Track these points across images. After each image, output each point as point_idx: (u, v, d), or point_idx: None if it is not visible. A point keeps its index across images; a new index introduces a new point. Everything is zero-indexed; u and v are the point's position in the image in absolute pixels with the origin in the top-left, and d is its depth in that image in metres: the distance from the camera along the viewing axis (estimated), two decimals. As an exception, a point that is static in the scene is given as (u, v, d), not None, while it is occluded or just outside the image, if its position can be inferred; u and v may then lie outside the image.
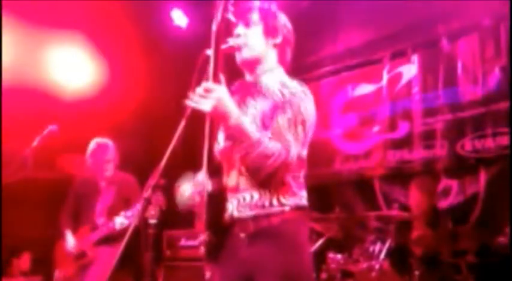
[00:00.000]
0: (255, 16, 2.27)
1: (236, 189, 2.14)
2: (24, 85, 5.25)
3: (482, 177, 4.77)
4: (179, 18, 6.27)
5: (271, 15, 2.30)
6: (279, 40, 2.28)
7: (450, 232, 4.22)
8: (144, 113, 6.19)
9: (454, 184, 4.95)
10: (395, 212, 4.45)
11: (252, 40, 2.24)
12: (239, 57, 2.25)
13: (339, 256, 4.37)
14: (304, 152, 2.19)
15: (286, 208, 2.10)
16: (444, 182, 4.99)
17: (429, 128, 5.17)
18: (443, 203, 4.89)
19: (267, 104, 2.15)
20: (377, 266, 4.10)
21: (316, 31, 5.72)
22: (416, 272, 4.09)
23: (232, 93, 2.11)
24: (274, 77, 2.24)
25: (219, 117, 1.99)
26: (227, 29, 2.16)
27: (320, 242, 4.48)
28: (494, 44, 4.84)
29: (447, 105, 5.08)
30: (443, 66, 5.16)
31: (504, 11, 4.61)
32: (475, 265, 3.99)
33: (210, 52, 2.07)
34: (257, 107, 2.17)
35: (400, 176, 5.29)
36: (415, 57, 5.38)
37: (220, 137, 2.23)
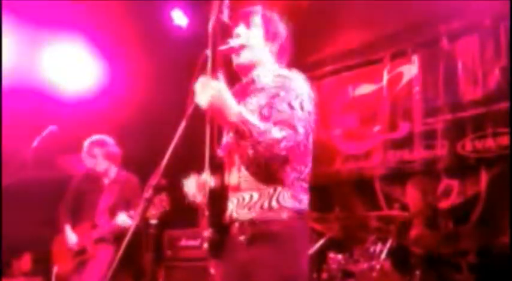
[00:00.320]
0: (256, 18, 2.29)
1: (237, 188, 2.14)
2: (24, 85, 5.25)
3: (483, 177, 4.76)
4: (179, 18, 6.26)
5: (272, 21, 2.33)
6: (277, 46, 2.31)
7: (451, 232, 4.22)
8: (144, 113, 6.18)
9: (455, 184, 4.95)
10: (396, 212, 4.46)
11: (251, 42, 2.26)
12: (236, 60, 2.26)
13: (340, 256, 4.36)
14: (310, 139, 2.19)
15: (285, 213, 2.09)
16: (445, 183, 4.99)
17: (430, 128, 5.17)
18: (445, 204, 4.88)
19: (263, 96, 2.16)
20: (378, 266, 4.09)
21: (316, 31, 5.71)
22: (417, 273, 4.09)
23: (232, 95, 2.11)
24: (268, 71, 2.26)
25: (217, 112, 1.99)
26: (224, 29, 2.17)
27: (321, 242, 4.47)
28: (494, 44, 4.83)
29: (447, 105, 5.07)
30: (443, 66, 5.16)
31: (504, 11, 4.61)
32: (476, 265, 3.99)
33: (209, 52, 2.08)
34: (253, 102, 2.18)
35: (400, 176, 5.28)
36: (415, 57, 5.38)
37: (224, 134, 2.24)
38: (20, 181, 3.72)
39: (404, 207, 4.68)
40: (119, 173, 4.57)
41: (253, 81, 2.26)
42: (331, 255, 4.38)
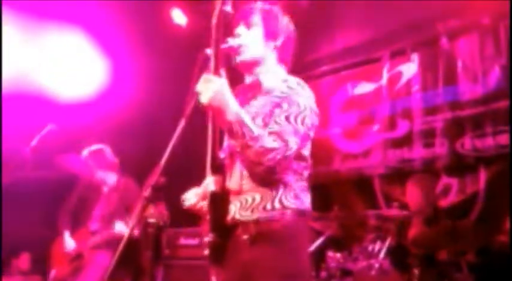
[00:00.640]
0: (256, 18, 2.28)
1: (239, 191, 2.13)
2: (23, 85, 5.25)
3: (482, 176, 4.77)
4: (179, 17, 6.26)
5: (273, 18, 2.31)
6: (279, 43, 2.29)
7: (450, 231, 4.22)
8: (144, 112, 6.19)
9: (454, 182, 4.95)
10: (395, 211, 4.45)
11: (251, 41, 2.25)
12: (238, 58, 2.24)
13: (339, 255, 4.36)
14: (306, 152, 2.19)
15: (288, 212, 2.09)
16: (444, 181, 4.99)
17: (429, 126, 5.17)
18: (444, 202, 4.89)
19: (268, 102, 2.15)
20: (376, 265, 4.09)
21: (315, 30, 5.71)
22: (416, 271, 4.09)
23: (234, 95, 2.10)
24: (274, 76, 2.24)
25: (216, 109, 1.98)
26: (226, 27, 2.16)
27: (319, 240, 4.47)
28: (494, 42, 4.83)
29: (447, 104, 5.07)
30: (443, 65, 5.16)
31: (504, 10, 4.61)
32: (475, 264, 3.99)
33: (210, 51, 2.07)
34: (258, 106, 2.17)
35: (399, 175, 5.28)
36: (415, 56, 5.38)
37: (225, 136, 2.23)
38: (19, 181, 3.71)
39: (403, 206, 4.67)
40: (118, 181, 4.58)
41: (258, 84, 2.25)
42: (330, 254, 4.38)
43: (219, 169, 2.11)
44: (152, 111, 6.22)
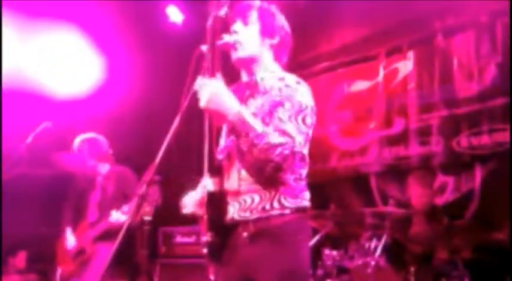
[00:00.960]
0: (253, 15, 2.27)
1: (237, 192, 2.12)
2: (20, 83, 5.23)
3: (478, 174, 4.77)
4: (175, 14, 6.24)
5: (270, 16, 2.30)
6: (275, 41, 2.28)
7: (446, 229, 4.22)
8: (139, 109, 6.18)
9: (450, 180, 4.95)
10: (391, 208, 4.45)
11: (247, 38, 2.24)
12: (234, 55, 2.24)
13: (335, 253, 4.36)
14: (305, 151, 2.17)
15: (287, 211, 2.09)
16: (440, 179, 5.00)
17: (425, 124, 5.17)
18: (439, 200, 4.89)
19: (267, 102, 2.14)
20: (373, 263, 4.10)
21: (312, 28, 5.70)
22: (412, 269, 4.10)
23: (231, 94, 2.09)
24: (271, 74, 2.24)
25: (215, 112, 1.98)
26: (223, 25, 2.15)
27: (316, 238, 4.47)
28: (490, 40, 4.83)
29: (443, 102, 5.07)
30: (439, 63, 5.16)
31: (500, 8, 4.61)
32: (470, 261, 3.99)
33: (204, 48, 2.07)
34: (257, 105, 2.16)
35: (396, 172, 5.29)
36: (410, 54, 5.38)
37: (221, 137, 2.22)
38: (15, 179, 3.70)
39: (399, 203, 4.68)
40: (111, 169, 4.54)
41: (255, 83, 2.24)
42: (326, 251, 4.38)
43: (217, 170, 2.11)
44: (148, 109, 6.21)
